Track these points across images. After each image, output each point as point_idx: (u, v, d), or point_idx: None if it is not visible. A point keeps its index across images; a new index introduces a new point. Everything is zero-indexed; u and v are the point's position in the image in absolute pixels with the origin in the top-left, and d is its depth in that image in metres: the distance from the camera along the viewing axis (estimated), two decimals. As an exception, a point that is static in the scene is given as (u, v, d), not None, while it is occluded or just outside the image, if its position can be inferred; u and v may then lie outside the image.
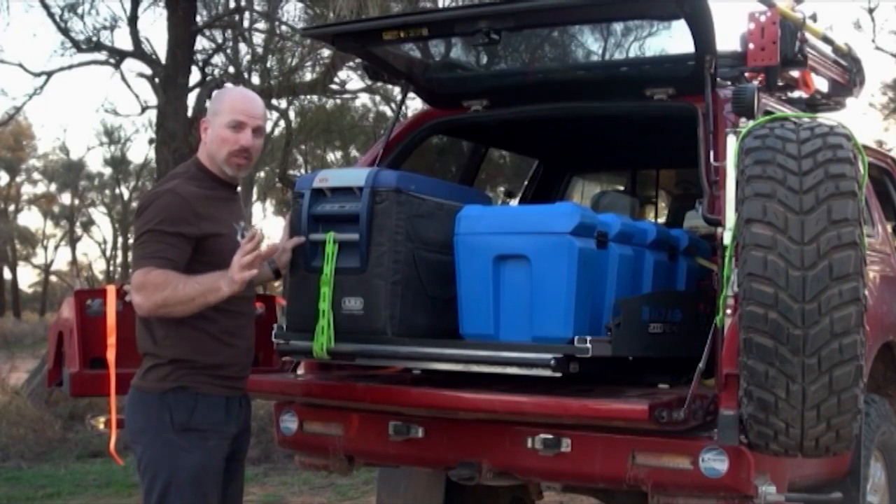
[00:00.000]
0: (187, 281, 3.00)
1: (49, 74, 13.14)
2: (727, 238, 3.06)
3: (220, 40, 12.49)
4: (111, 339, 3.65)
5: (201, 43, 11.78)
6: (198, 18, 10.99)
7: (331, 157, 19.45)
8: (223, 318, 3.12)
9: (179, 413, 3.05)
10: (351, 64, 11.23)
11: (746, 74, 3.95)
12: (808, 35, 4.05)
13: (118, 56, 12.27)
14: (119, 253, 36.26)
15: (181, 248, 3.04)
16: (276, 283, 3.57)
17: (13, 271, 39.23)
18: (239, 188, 3.42)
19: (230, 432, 3.18)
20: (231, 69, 12.15)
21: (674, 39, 3.76)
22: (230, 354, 3.17)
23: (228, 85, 3.20)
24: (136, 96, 25.62)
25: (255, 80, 11.76)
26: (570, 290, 3.22)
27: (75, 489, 7.06)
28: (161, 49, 11.12)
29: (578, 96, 4.09)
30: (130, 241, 33.98)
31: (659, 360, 3.61)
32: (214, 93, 3.21)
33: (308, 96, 13.24)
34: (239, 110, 3.20)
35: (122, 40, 30.45)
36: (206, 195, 3.17)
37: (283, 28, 11.55)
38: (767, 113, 3.51)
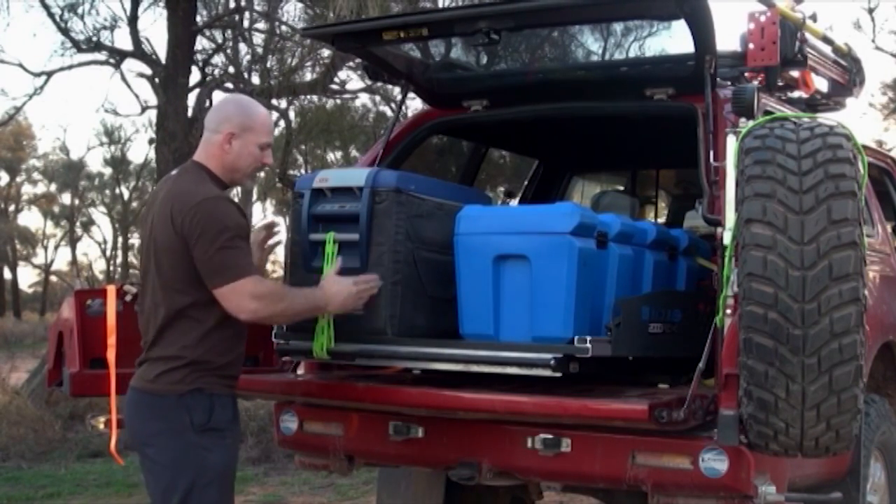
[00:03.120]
0: (297, 294, 3.21)
1: (49, 74, 13.12)
2: (727, 238, 3.06)
3: (220, 40, 12.46)
4: (111, 339, 3.65)
5: (201, 43, 11.77)
6: (198, 18, 10.97)
7: (331, 157, 19.44)
8: (238, 321, 3.11)
9: (198, 414, 3.05)
10: (351, 64, 11.22)
11: (746, 74, 3.95)
12: (808, 35, 4.05)
13: (118, 56, 12.24)
14: (119, 253, 36.23)
15: None
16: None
17: (13, 271, 39.19)
18: None
19: (238, 430, 3.21)
20: (231, 69, 12.13)
21: (674, 39, 3.76)
22: (237, 354, 3.19)
23: (236, 95, 3.17)
24: (136, 96, 25.53)
25: (255, 80, 11.76)
26: (570, 290, 3.22)
27: (75, 489, 7.06)
28: (161, 49, 11.12)
29: (578, 96, 4.09)
30: (131, 241, 34.06)
31: (659, 360, 3.61)
32: (234, 100, 3.15)
33: (308, 96, 13.22)
34: (270, 132, 3.29)
35: (122, 40, 30.41)
36: None
37: (283, 28, 11.55)
38: (767, 113, 3.51)
